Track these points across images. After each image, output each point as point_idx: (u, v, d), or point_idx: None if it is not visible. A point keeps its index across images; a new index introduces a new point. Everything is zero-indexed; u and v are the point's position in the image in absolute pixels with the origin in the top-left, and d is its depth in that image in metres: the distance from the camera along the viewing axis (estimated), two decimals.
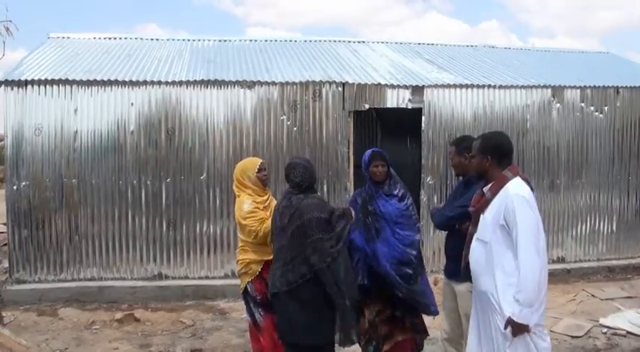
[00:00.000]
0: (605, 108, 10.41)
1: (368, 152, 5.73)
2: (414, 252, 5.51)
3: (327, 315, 4.81)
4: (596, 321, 7.77)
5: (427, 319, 7.68)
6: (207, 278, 9.14)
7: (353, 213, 5.27)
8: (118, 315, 7.99)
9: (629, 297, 8.93)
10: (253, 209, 5.45)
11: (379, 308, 5.62)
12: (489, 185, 4.38)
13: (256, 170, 5.57)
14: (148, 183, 8.98)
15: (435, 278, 8.72)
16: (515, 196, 4.14)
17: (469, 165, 5.17)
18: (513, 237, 4.10)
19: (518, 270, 4.02)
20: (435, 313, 5.64)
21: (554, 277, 9.15)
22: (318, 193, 5.34)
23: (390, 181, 5.63)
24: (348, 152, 9.41)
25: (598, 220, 10.44)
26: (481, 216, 4.37)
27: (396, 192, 5.59)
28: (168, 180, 9.00)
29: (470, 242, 4.53)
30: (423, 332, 5.79)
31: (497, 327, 4.21)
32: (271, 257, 5.28)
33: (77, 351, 6.86)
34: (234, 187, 5.72)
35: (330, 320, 4.82)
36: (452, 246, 5.34)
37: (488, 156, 4.38)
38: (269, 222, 5.31)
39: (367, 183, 5.71)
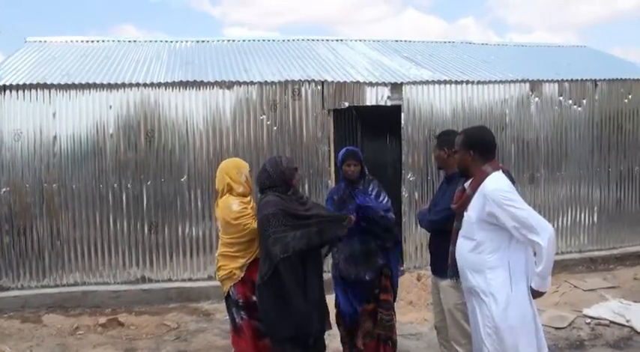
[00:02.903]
0: (584, 101, 10.48)
1: (343, 150, 5.81)
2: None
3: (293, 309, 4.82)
4: (579, 312, 7.82)
5: (411, 315, 7.82)
6: (190, 280, 9.11)
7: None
8: (102, 320, 7.91)
9: (611, 287, 8.99)
10: (242, 208, 5.44)
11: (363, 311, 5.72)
12: (470, 181, 4.40)
13: (248, 169, 5.57)
14: (129, 186, 8.93)
15: (419, 273, 8.78)
16: (494, 192, 4.17)
17: (448, 159, 5.19)
18: (510, 229, 4.13)
19: (539, 247, 4.05)
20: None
21: None
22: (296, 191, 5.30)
23: (365, 180, 5.71)
24: (329, 150, 9.40)
25: (579, 212, 10.52)
26: (465, 213, 4.39)
27: (370, 190, 5.68)
28: (148, 183, 8.96)
29: (455, 238, 4.56)
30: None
31: (484, 322, 4.28)
32: (253, 257, 5.36)
33: None
34: (220, 186, 5.60)
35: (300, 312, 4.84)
36: (435, 243, 5.39)
37: (470, 151, 4.40)
38: None
39: (341, 182, 5.79)
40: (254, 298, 5.35)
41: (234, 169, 5.57)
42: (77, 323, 7.89)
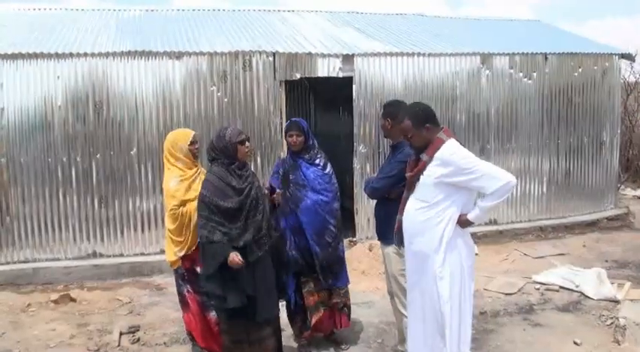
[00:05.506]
0: (534, 74, 10.64)
1: (288, 122, 5.84)
2: (333, 221, 5.65)
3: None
4: (529, 278, 8.00)
5: (363, 284, 7.90)
6: (142, 254, 9.04)
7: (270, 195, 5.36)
8: (54, 296, 7.81)
9: (560, 254, 9.25)
10: (176, 189, 5.38)
11: (313, 282, 5.73)
12: (426, 149, 4.50)
13: (189, 142, 5.46)
14: (78, 159, 8.77)
15: (370, 244, 8.84)
16: (454, 158, 4.34)
17: (392, 129, 5.27)
18: (474, 187, 4.40)
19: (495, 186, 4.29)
20: (343, 285, 5.86)
21: (486, 238, 9.45)
22: (247, 164, 5.22)
23: (311, 151, 5.72)
24: (281, 122, 9.33)
25: (529, 182, 10.72)
26: (420, 177, 4.48)
27: (317, 161, 5.71)
28: (98, 156, 8.81)
29: (404, 207, 4.63)
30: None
31: (434, 283, 4.41)
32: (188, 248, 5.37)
33: (14, 335, 6.69)
34: (164, 159, 5.62)
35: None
36: (379, 210, 5.49)
37: (425, 125, 4.50)
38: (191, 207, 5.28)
39: (288, 153, 5.80)
40: (197, 269, 5.38)
41: (170, 142, 5.54)
42: (29, 300, 7.78)
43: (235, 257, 4.65)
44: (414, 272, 4.60)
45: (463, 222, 4.44)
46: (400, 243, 4.78)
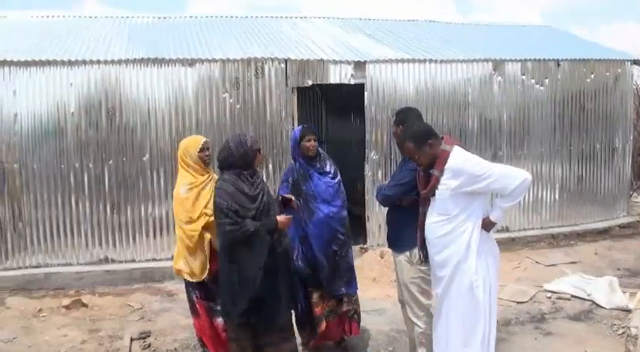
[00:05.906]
0: (546, 80, 10.59)
1: (297, 129, 5.83)
2: (342, 230, 5.65)
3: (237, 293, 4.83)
4: (540, 287, 7.97)
5: (374, 291, 7.89)
6: (154, 260, 9.05)
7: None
8: (66, 301, 7.85)
9: (572, 262, 9.20)
10: (188, 195, 5.39)
11: (319, 291, 5.72)
12: (435, 164, 4.53)
13: (198, 149, 5.46)
14: (90, 165, 8.81)
15: (382, 251, 8.83)
16: (465, 166, 4.41)
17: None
18: (492, 189, 4.48)
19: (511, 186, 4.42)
20: (353, 292, 5.83)
21: (498, 246, 9.32)
22: (259, 171, 5.21)
23: (321, 158, 5.70)
24: (293, 129, 9.33)
25: (541, 189, 10.67)
26: (436, 192, 4.51)
27: (328, 169, 5.70)
28: (110, 162, 8.85)
29: (423, 221, 4.68)
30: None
31: (469, 290, 4.48)
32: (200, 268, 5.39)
33: (26, 340, 6.73)
34: (178, 164, 5.64)
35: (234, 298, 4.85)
36: (390, 217, 5.48)
37: (428, 141, 4.54)
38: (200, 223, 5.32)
39: (297, 162, 5.74)
40: (203, 277, 5.41)
41: (181, 150, 5.57)
42: (40, 305, 7.82)
43: (282, 217, 4.84)
44: (442, 286, 4.63)
45: (487, 225, 4.52)
46: (426, 259, 4.81)
